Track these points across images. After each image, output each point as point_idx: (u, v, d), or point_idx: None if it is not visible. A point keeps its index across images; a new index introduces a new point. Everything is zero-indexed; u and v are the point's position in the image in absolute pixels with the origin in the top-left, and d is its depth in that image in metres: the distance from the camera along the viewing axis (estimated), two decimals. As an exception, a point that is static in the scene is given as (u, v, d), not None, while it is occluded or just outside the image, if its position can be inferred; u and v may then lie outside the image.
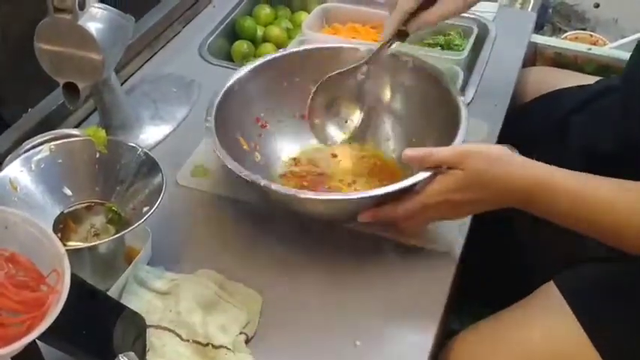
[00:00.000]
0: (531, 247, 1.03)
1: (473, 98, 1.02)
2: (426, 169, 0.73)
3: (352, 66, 0.88)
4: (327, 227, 0.81)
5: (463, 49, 1.12)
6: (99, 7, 0.79)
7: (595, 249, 0.87)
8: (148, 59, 1.09)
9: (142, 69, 1.08)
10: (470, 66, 1.11)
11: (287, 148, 0.92)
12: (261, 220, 0.83)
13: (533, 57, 1.27)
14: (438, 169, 0.72)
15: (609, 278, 0.84)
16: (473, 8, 1.18)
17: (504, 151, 0.73)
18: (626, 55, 1.20)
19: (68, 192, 0.74)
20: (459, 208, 0.74)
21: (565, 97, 1.09)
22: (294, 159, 0.91)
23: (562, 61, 1.25)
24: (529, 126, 1.10)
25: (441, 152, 0.73)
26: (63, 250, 0.47)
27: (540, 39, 1.26)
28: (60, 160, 0.74)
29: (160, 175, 0.71)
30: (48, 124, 0.90)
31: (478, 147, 0.74)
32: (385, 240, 0.80)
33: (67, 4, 0.75)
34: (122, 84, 1.03)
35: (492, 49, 1.14)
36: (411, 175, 0.74)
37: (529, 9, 1.29)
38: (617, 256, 0.84)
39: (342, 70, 0.88)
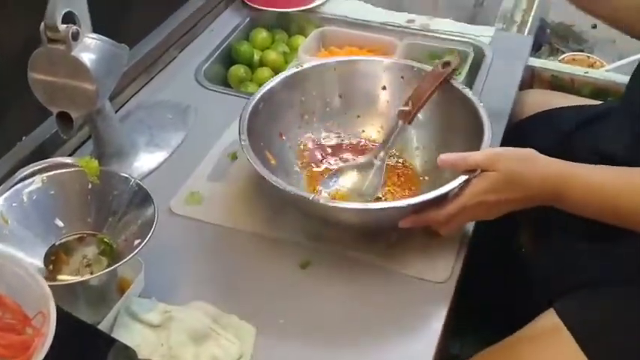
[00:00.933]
0: (530, 269, 1.02)
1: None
2: (461, 172, 0.77)
3: (366, 160, 0.89)
4: (322, 258, 0.80)
5: (460, 74, 1.12)
6: (93, 38, 0.79)
7: (594, 270, 0.87)
8: (144, 85, 1.09)
9: (138, 95, 1.08)
10: (468, 86, 1.11)
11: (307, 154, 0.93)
12: (255, 250, 0.82)
13: (531, 80, 1.27)
14: (471, 172, 0.76)
15: (610, 304, 0.84)
16: (470, 32, 1.19)
17: (530, 152, 0.78)
18: (622, 78, 1.20)
19: (60, 223, 0.73)
20: (494, 207, 0.78)
21: (568, 115, 1.10)
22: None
23: (559, 83, 1.25)
24: (529, 142, 1.11)
25: (474, 156, 0.77)
26: (49, 291, 0.46)
27: (537, 62, 1.26)
28: (52, 192, 0.73)
29: (152, 207, 0.71)
30: (42, 152, 0.89)
31: (507, 150, 0.79)
32: (381, 269, 0.79)
33: (60, 35, 0.75)
34: (117, 110, 1.03)
35: (489, 73, 1.14)
36: (433, 183, 0.81)
37: (526, 32, 1.29)
38: (615, 279, 0.84)
39: (357, 163, 0.89)
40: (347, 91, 0.95)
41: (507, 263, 1.16)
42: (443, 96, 0.88)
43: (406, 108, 0.86)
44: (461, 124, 0.87)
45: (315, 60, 1.01)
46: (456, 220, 0.78)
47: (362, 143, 0.95)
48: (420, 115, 0.88)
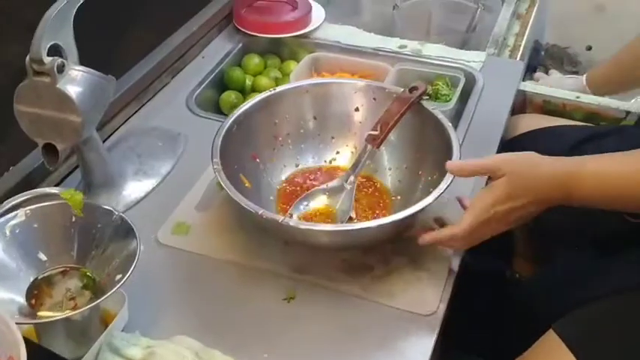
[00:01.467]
0: (526, 293, 1.02)
1: (464, 138, 1.02)
2: (467, 175, 0.80)
3: (336, 183, 0.89)
4: (307, 291, 0.79)
5: (450, 100, 1.12)
6: (79, 70, 0.79)
7: (593, 287, 0.86)
8: (135, 112, 1.10)
9: (129, 122, 1.08)
10: (458, 115, 1.11)
11: (282, 176, 0.95)
12: (240, 282, 0.82)
13: (523, 104, 1.27)
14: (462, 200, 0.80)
15: (608, 319, 0.83)
16: (461, 57, 1.20)
17: (533, 155, 0.79)
18: (614, 103, 1.20)
19: (43, 257, 0.73)
20: (509, 216, 0.77)
21: (567, 132, 1.10)
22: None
23: (551, 108, 1.25)
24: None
25: (480, 160, 0.79)
26: (20, 338, 0.46)
27: (529, 86, 1.26)
28: (35, 225, 0.73)
29: (135, 240, 0.70)
30: (30, 181, 0.90)
31: (512, 154, 0.80)
32: (367, 302, 0.78)
33: (45, 68, 0.76)
34: (108, 137, 1.04)
35: (480, 98, 1.14)
36: (405, 203, 0.84)
37: (518, 56, 1.29)
38: (615, 293, 0.83)
39: (326, 187, 0.90)
40: (321, 113, 0.96)
41: (501, 290, 1.16)
42: (414, 117, 0.90)
43: (375, 132, 0.87)
44: (431, 145, 0.88)
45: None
46: (474, 237, 0.78)
47: (335, 165, 0.96)
48: (391, 136, 0.89)
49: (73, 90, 0.77)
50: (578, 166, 0.77)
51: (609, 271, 0.86)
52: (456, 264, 0.83)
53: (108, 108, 1.01)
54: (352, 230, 0.76)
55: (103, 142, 1.02)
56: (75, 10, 0.79)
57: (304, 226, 0.77)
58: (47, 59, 0.75)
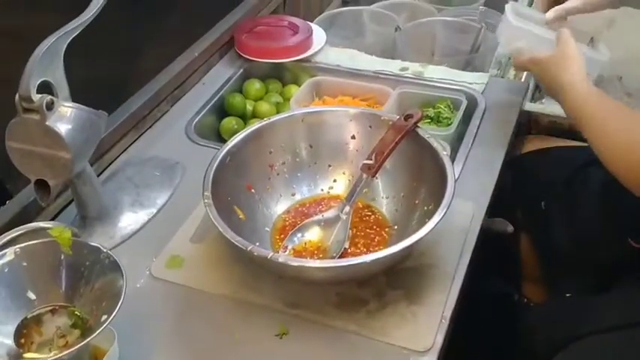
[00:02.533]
0: (531, 325, 0.99)
1: (459, 176, 1.00)
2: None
3: (332, 214, 0.88)
4: (300, 326, 0.78)
5: (452, 123, 1.11)
6: (69, 106, 0.79)
7: (601, 318, 0.84)
8: (134, 141, 1.10)
9: (128, 151, 1.08)
10: (460, 137, 1.10)
11: (278, 206, 0.93)
12: (233, 317, 0.80)
13: (528, 125, 1.24)
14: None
15: (607, 355, 0.82)
16: (463, 79, 1.20)
17: (575, 58, 0.92)
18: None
19: (32, 296, 0.73)
20: (538, 75, 1.01)
21: (574, 153, 1.09)
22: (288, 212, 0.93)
23: (557, 128, 1.22)
24: (530, 177, 1.10)
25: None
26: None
27: (534, 107, 1.24)
28: (25, 264, 0.73)
29: (122, 280, 0.70)
30: (26, 214, 0.90)
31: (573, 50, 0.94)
32: (361, 337, 0.77)
33: (35, 105, 0.76)
34: (105, 168, 1.04)
35: (482, 120, 1.12)
36: (403, 232, 0.84)
37: (523, 76, 1.27)
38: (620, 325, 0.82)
39: (322, 218, 0.88)
40: (316, 141, 0.95)
41: (507, 316, 1.13)
42: (409, 146, 0.88)
43: (369, 161, 0.86)
44: (427, 174, 0.87)
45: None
46: (525, 68, 1.07)
47: (333, 193, 0.95)
48: (387, 165, 0.88)
49: (62, 127, 0.77)
50: (571, 84, 0.90)
51: (610, 305, 0.84)
52: (453, 297, 0.81)
53: (106, 138, 1.03)
54: (345, 266, 0.74)
55: (101, 172, 1.03)
56: (65, 46, 0.80)
57: (295, 262, 0.75)
58: (36, 97, 0.76)
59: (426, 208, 0.85)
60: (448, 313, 0.79)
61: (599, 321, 0.83)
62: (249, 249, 0.73)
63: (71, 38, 0.80)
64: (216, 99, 1.21)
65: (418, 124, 0.88)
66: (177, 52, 1.23)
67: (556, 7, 1.02)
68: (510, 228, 1.18)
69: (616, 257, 0.93)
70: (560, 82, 0.91)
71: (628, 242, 0.89)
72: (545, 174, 1.07)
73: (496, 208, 1.00)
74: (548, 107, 1.25)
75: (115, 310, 0.67)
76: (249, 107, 1.23)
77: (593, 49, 1.04)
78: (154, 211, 0.96)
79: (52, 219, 0.93)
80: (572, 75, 0.90)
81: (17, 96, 0.76)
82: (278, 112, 1.23)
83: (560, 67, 0.92)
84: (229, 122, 1.19)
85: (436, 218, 0.76)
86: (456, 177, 0.98)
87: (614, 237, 0.89)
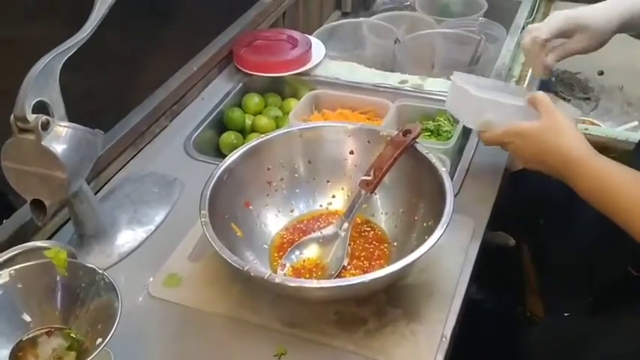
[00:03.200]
0: (537, 336, 0.98)
1: (459, 190, 0.99)
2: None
3: (330, 231, 0.88)
4: (298, 346, 0.77)
5: (452, 136, 1.10)
6: (64, 126, 0.78)
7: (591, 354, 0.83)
8: (132, 158, 1.09)
9: (126, 167, 1.08)
10: (460, 150, 1.09)
11: (277, 223, 0.92)
12: (230, 336, 0.80)
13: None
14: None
15: None
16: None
17: (569, 126, 0.84)
18: (624, 134, 1.17)
19: (27, 318, 0.72)
20: (519, 150, 0.88)
21: None
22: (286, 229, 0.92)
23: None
24: (531, 189, 1.09)
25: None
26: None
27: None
28: (20, 285, 0.72)
29: (117, 301, 0.69)
30: (24, 233, 0.89)
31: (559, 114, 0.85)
32: (360, 358, 0.75)
33: (30, 125, 0.75)
34: (103, 185, 1.03)
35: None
36: (402, 248, 0.84)
37: (525, 86, 1.26)
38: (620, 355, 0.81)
39: (320, 235, 0.88)
40: (315, 157, 0.94)
41: (508, 332, 1.12)
42: (408, 161, 0.88)
43: (368, 177, 0.85)
44: (426, 190, 0.86)
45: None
46: (497, 145, 0.91)
47: (332, 209, 0.94)
48: (385, 180, 0.87)
49: (58, 147, 0.77)
50: (578, 158, 0.81)
51: (611, 331, 0.82)
52: (454, 315, 0.80)
53: (103, 155, 1.02)
54: (343, 286, 0.73)
55: (99, 190, 1.03)
56: (61, 65, 0.79)
57: (292, 283, 0.75)
58: (31, 117, 0.75)
59: (425, 224, 0.84)
60: (448, 332, 0.78)
61: (601, 348, 0.81)
62: (245, 269, 0.73)
63: (67, 57, 0.80)
64: (215, 113, 1.20)
65: (417, 140, 0.88)
66: (176, 66, 1.22)
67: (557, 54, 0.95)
68: (512, 241, 1.17)
69: (615, 282, 0.91)
70: (560, 151, 0.82)
71: (626, 269, 0.88)
72: (545, 190, 1.05)
73: (498, 220, 0.99)
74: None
75: (110, 333, 0.66)
76: (249, 121, 1.23)
77: (563, 106, 0.97)
78: (152, 228, 0.95)
79: (50, 237, 0.93)
80: (571, 141, 0.82)
81: (12, 116, 0.76)
82: (277, 126, 1.23)
83: (553, 133, 0.83)
84: (228, 137, 1.19)
85: (436, 235, 0.75)
86: (456, 192, 0.98)
87: (614, 261, 0.87)
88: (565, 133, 0.83)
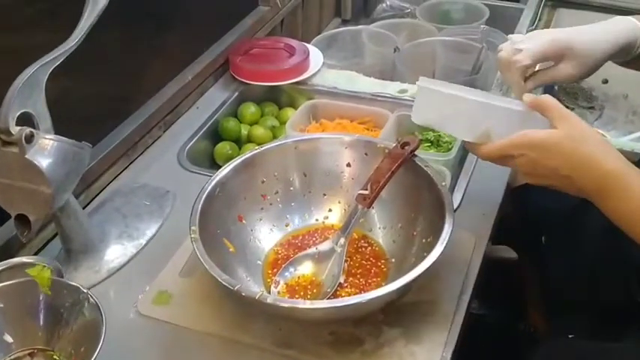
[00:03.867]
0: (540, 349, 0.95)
1: (460, 204, 0.96)
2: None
3: (326, 247, 0.85)
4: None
5: (452, 147, 1.07)
6: (50, 139, 0.76)
7: None
8: (124, 169, 1.06)
9: (118, 179, 1.05)
10: (461, 161, 1.06)
11: (271, 237, 0.89)
12: (222, 358, 0.77)
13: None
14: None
15: None
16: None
17: (596, 135, 0.72)
18: (629, 145, 1.13)
19: (9, 339, 0.69)
20: (535, 168, 0.72)
21: None
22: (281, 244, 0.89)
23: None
24: (533, 205, 1.05)
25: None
26: None
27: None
28: (1, 305, 0.70)
29: (102, 324, 0.66)
30: (8, 249, 0.86)
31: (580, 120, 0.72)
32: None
33: (13, 138, 0.73)
34: (94, 198, 1.00)
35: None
36: (400, 264, 0.82)
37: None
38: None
39: (315, 251, 0.85)
40: (310, 170, 0.91)
41: (511, 349, 1.09)
42: (406, 174, 0.84)
43: (365, 192, 0.82)
44: (425, 205, 0.83)
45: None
46: (499, 160, 0.76)
47: (328, 223, 0.91)
48: (383, 194, 0.84)
49: (43, 161, 0.74)
50: (623, 174, 0.69)
51: (609, 354, 0.79)
52: (454, 335, 0.77)
53: (94, 167, 1.00)
54: (339, 307, 0.70)
55: (89, 203, 1.00)
56: (47, 76, 0.77)
57: (285, 303, 0.71)
58: (15, 129, 0.73)
59: (424, 240, 0.81)
60: (449, 354, 0.75)
61: None
62: (235, 288, 0.70)
63: (53, 67, 0.77)
64: (210, 123, 1.18)
65: (415, 152, 0.85)
66: (175, 72, 1.20)
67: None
68: (514, 255, 1.14)
69: (619, 304, 0.87)
70: (593, 164, 0.69)
71: (631, 294, 0.84)
72: (547, 207, 1.00)
73: (499, 234, 0.96)
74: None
75: (94, 356, 0.63)
76: (244, 131, 1.20)
77: None
78: (143, 242, 0.92)
79: (37, 252, 0.90)
80: (604, 152, 0.69)
81: (-5, 128, 0.73)
82: (274, 136, 1.20)
83: (580, 142, 0.69)
84: (223, 147, 1.16)
85: (435, 253, 0.72)
86: (457, 205, 0.95)
87: (616, 280, 0.83)
88: (592, 141, 0.70)
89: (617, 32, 0.82)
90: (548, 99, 0.74)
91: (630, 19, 0.83)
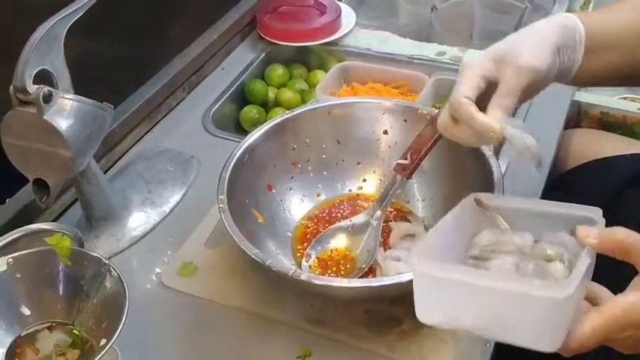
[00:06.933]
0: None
1: (507, 168, 0.90)
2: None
3: (361, 219, 0.79)
4: (324, 347, 0.70)
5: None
6: (69, 99, 0.71)
7: None
8: (147, 132, 1.01)
9: (140, 143, 1.00)
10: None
11: (301, 208, 0.84)
12: (250, 333, 0.72)
13: (577, 117, 1.13)
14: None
15: None
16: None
17: None
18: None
19: (27, 311, 0.65)
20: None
21: (617, 168, 0.97)
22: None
23: (609, 121, 1.11)
24: (575, 198, 0.98)
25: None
26: None
27: (584, 97, 1.12)
28: (18, 275, 0.65)
29: (125, 297, 0.62)
30: (26, 215, 0.82)
31: None
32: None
33: (30, 97, 0.68)
34: (114, 163, 0.96)
35: (528, 111, 1.02)
36: None
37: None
38: None
39: (350, 223, 0.80)
40: (345, 137, 0.86)
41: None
42: (450, 144, 0.77)
43: (404, 161, 0.75)
44: (470, 176, 0.77)
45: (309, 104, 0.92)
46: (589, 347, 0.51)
47: (362, 193, 0.86)
48: (424, 165, 0.77)
49: (62, 122, 0.69)
50: None
51: None
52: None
53: (116, 129, 0.95)
54: (377, 287, 0.65)
55: (110, 167, 0.95)
56: (66, 31, 0.71)
57: (319, 281, 0.67)
58: (32, 88, 0.67)
59: (467, 215, 0.75)
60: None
61: None
62: (267, 263, 0.65)
63: (73, 21, 0.71)
64: (236, 86, 1.12)
65: None
66: (195, 34, 1.14)
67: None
68: None
69: None
70: None
71: None
72: (585, 195, 0.89)
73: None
74: (599, 96, 1.14)
75: (116, 334, 0.59)
76: (272, 95, 1.14)
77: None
78: (167, 210, 0.88)
79: (56, 219, 0.86)
80: None
81: (11, 87, 0.68)
82: (303, 100, 1.14)
83: None
84: (250, 111, 1.11)
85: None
86: (505, 169, 0.89)
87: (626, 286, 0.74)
88: None
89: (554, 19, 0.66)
90: (624, 235, 0.52)
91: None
